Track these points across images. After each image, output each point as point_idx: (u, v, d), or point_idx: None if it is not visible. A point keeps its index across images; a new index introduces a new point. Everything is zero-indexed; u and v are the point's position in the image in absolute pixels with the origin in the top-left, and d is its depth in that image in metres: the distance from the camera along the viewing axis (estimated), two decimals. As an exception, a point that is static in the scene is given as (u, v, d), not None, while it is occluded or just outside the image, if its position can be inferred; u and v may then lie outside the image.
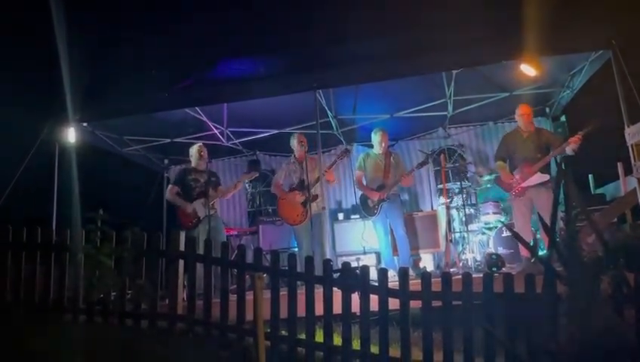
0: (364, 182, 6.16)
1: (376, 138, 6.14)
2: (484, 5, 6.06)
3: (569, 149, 5.15)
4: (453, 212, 6.94)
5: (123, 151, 7.47)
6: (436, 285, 3.53)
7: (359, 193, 6.24)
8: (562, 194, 2.55)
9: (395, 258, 6.03)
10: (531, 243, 5.38)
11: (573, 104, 7.03)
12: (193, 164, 5.94)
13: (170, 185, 5.92)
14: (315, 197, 5.80)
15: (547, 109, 7.52)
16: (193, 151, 5.94)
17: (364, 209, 6.09)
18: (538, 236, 5.72)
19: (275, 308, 3.82)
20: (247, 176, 6.28)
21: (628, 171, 5.25)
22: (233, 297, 3.99)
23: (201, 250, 4.24)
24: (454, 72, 6.04)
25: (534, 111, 7.20)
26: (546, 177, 5.25)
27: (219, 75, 6.27)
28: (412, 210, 7.46)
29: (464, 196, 6.70)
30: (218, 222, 5.86)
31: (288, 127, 7.56)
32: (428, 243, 6.56)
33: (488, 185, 6.74)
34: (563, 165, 5.06)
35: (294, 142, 6.04)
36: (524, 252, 5.35)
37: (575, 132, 5.25)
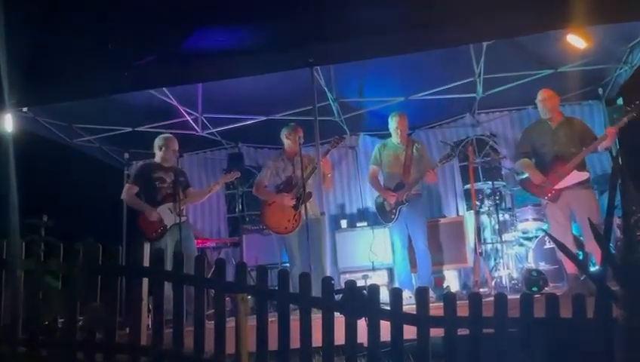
0: (381, 180, 6.16)
1: (392, 124, 6.15)
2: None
3: (601, 147, 5.20)
4: (484, 218, 6.96)
5: (73, 143, 7.48)
6: (462, 309, 3.53)
7: (372, 194, 6.25)
8: (618, 195, 2.57)
9: (413, 276, 6.04)
10: (580, 257, 5.40)
11: (632, 84, 7.04)
12: (157, 160, 5.88)
13: (127, 184, 5.88)
14: (309, 195, 5.77)
15: (600, 90, 7.55)
16: (159, 142, 5.90)
17: (381, 213, 6.11)
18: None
19: (262, 338, 3.82)
20: (227, 178, 6.29)
21: None
22: (210, 324, 3.99)
23: (169, 266, 4.24)
24: (485, 44, 6.05)
25: (584, 93, 7.24)
26: (585, 175, 5.26)
27: (192, 49, 6.26)
28: (432, 215, 7.47)
29: (497, 199, 6.71)
30: (189, 231, 5.85)
31: (278, 113, 7.57)
32: (452, 257, 6.58)
33: (527, 185, 6.75)
34: (619, 159, 5.08)
35: (290, 136, 6.00)
36: (570, 268, 5.37)
37: (635, 118, 5.26)
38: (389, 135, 6.34)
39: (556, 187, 5.31)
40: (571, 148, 5.33)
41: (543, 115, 5.58)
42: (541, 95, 5.60)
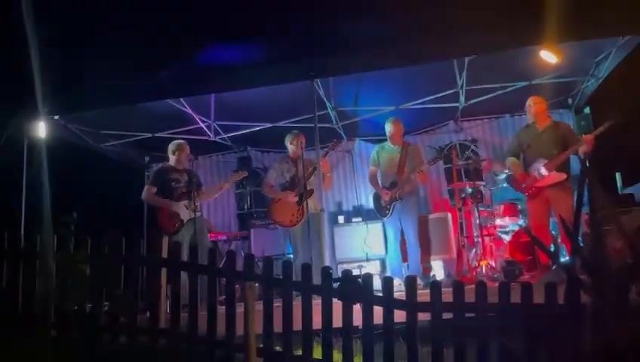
0: (379, 179, 6.17)
1: (388, 128, 6.15)
2: (500, -15, 6.06)
3: (581, 151, 5.15)
4: (466, 214, 6.94)
5: (99, 147, 7.47)
6: (447, 295, 3.53)
7: (365, 192, 6.26)
8: (586, 194, 2.56)
9: (404, 265, 6.05)
10: (552, 249, 5.40)
11: (598, 94, 7.05)
12: (172, 163, 5.90)
13: (147, 186, 5.87)
14: (311, 192, 5.80)
15: (570, 100, 7.54)
16: (173, 148, 5.91)
17: (377, 208, 6.14)
18: (559, 241, 5.73)
19: (268, 321, 3.81)
20: (235, 177, 6.28)
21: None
22: (222, 309, 3.99)
23: (185, 257, 4.24)
24: (467, 59, 6.05)
25: (555, 103, 7.23)
26: (563, 176, 5.23)
27: (205, 63, 6.25)
28: (420, 211, 7.46)
29: (478, 197, 6.70)
30: (203, 225, 5.86)
31: (283, 120, 7.56)
32: (438, 249, 6.56)
33: (504, 185, 6.74)
34: (587, 162, 5.08)
35: (293, 141, 6.00)
36: (544, 259, 5.36)
37: (600, 125, 5.26)
38: (382, 140, 6.34)
39: (536, 185, 5.31)
40: (553, 150, 5.30)
41: (530, 119, 5.59)
42: (528, 101, 5.60)
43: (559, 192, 5.22)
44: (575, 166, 7.00)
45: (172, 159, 5.89)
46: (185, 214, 5.66)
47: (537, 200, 5.36)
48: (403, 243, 6.02)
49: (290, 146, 6.04)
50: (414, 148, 6.27)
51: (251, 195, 8.18)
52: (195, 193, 5.67)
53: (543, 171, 5.22)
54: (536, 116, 5.51)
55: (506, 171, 6.26)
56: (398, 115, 7.37)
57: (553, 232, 5.70)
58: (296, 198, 5.81)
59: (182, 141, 6.05)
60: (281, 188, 6.04)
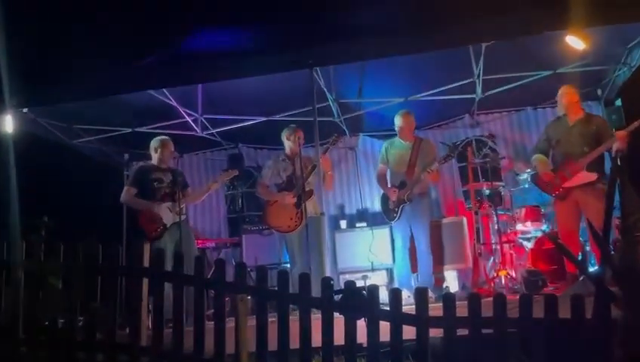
0: (388, 178, 6.17)
1: (398, 122, 6.11)
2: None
3: (613, 148, 5.15)
4: (483, 219, 6.96)
5: (73, 144, 7.48)
6: (461, 309, 3.54)
7: (371, 194, 6.25)
8: (618, 196, 2.57)
9: (413, 276, 6.04)
10: (579, 258, 5.40)
11: (631, 85, 7.04)
12: (154, 161, 5.92)
13: (126, 187, 5.87)
14: (310, 193, 5.80)
15: (599, 91, 7.56)
16: (155, 144, 5.92)
17: (384, 211, 6.13)
18: (587, 248, 5.74)
19: (262, 338, 3.82)
20: (225, 176, 6.29)
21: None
22: (210, 324, 3.99)
23: (169, 266, 4.25)
24: (484, 45, 6.06)
25: (583, 93, 7.24)
26: (593, 176, 5.22)
27: (192, 49, 6.27)
28: (433, 216, 7.47)
29: (496, 199, 6.71)
30: (189, 229, 5.88)
31: (278, 113, 7.57)
32: (452, 257, 6.55)
33: (526, 186, 6.75)
34: (618, 160, 5.08)
35: (290, 137, 6.02)
36: (570, 268, 5.37)
37: (633, 119, 5.26)
38: (388, 135, 6.34)
39: (564, 185, 5.31)
40: (584, 147, 5.30)
41: (560, 111, 5.60)
42: (560, 91, 5.60)
43: (589, 194, 5.20)
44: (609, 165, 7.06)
45: (154, 157, 5.91)
46: (168, 217, 5.66)
47: (566, 202, 5.36)
48: (412, 250, 5.99)
49: (287, 142, 6.05)
50: (427, 144, 6.22)
51: (243, 197, 8.19)
52: (180, 194, 5.69)
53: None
54: (567, 108, 5.51)
55: (529, 171, 6.25)
56: (408, 108, 7.40)
57: (581, 239, 5.69)
58: (294, 200, 5.82)
59: (165, 137, 6.06)
60: (277, 188, 6.05)
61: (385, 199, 6.11)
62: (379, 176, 6.27)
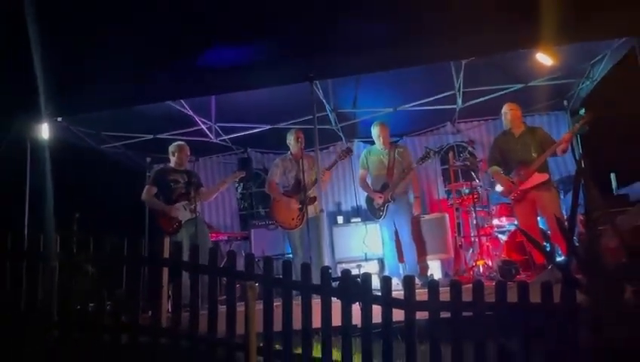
0: (369, 182, 6.17)
1: (374, 132, 6.16)
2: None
3: (559, 150, 5.29)
4: (463, 215, 6.95)
5: (101, 149, 7.47)
6: (445, 294, 3.53)
7: (364, 193, 6.25)
8: (582, 194, 2.56)
9: (401, 265, 6.05)
10: (547, 248, 5.40)
11: (593, 96, 7.05)
12: (172, 164, 5.92)
13: (147, 186, 5.86)
14: (313, 199, 5.82)
15: (565, 102, 7.55)
16: (172, 149, 5.93)
17: (370, 211, 6.14)
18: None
19: (268, 321, 3.81)
20: (233, 177, 6.30)
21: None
22: (222, 308, 3.98)
23: (186, 257, 4.24)
24: (464, 61, 6.05)
25: (551, 104, 7.26)
26: (545, 176, 5.32)
27: (205, 65, 6.26)
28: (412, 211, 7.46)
29: (474, 197, 6.71)
30: (203, 225, 5.87)
31: (282, 121, 7.56)
32: (436, 249, 6.56)
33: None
34: (582, 163, 5.11)
35: (291, 139, 6.04)
36: (538, 258, 5.37)
37: (594, 127, 5.30)
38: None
39: (520, 188, 5.37)
40: (532, 153, 5.40)
41: (506, 125, 5.63)
42: (505, 108, 5.66)
43: (543, 192, 5.30)
44: (562, 167, 7.09)
45: (172, 160, 5.91)
46: (183, 215, 5.65)
47: (523, 203, 5.43)
48: (398, 243, 6.02)
49: (291, 144, 6.05)
50: (402, 148, 6.31)
51: (253, 196, 8.20)
52: (195, 194, 5.69)
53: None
54: (512, 122, 5.58)
55: (493, 179, 6.29)
56: (397, 117, 7.43)
57: (548, 231, 5.71)
58: (298, 205, 5.84)
59: (181, 142, 6.05)
60: (285, 190, 6.05)
61: (370, 200, 6.13)
62: (361, 181, 6.28)
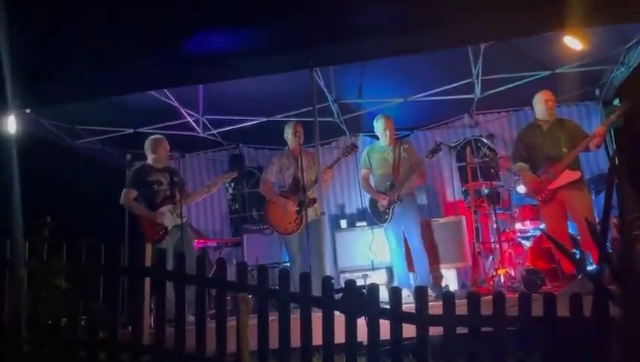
0: (372, 182, 6.18)
1: (378, 126, 6.16)
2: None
3: (592, 145, 5.28)
4: (482, 218, 6.95)
5: (75, 145, 7.48)
6: (461, 308, 3.54)
7: (367, 195, 6.26)
8: (615, 195, 2.56)
9: (411, 274, 6.05)
10: (577, 256, 5.41)
11: (628, 85, 7.04)
12: (150, 161, 5.88)
13: (125, 189, 5.81)
14: (313, 201, 5.82)
15: (597, 91, 7.55)
16: (149, 144, 5.87)
17: (374, 214, 6.13)
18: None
19: (263, 336, 3.82)
20: (225, 177, 6.31)
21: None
22: (212, 323, 3.99)
23: (171, 266, 4.25)
24: (483, 46, 6.05)
25: (581, 94, 7.26)
26: (577, 174, 5.31)
27: (192, 51, 6.27)
28: (431, 215, 7.47)
29: (495, 198, 6.72)
30: (188, 232, 5.87)
31: (279, 114, 7.57)
32: (451, 256, 6.56)
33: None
34: (616, 160, 5.10)
35: (289, 133, 6.05)
36: (568, 267, 5.37)
37: (630, 119, 5.29)
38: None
39: (549, 187, 5.36)
40: (563, 148, 5.39)
41: (541, 116, 5.60)
42: (543, 96, 5.62)
43: (573, 192, 5.28)
44: (593, 164, 7.08)
45: (150, 157, 5.87)
46: (169, 220, 5.65)
47: (551, 204, 5.42)
48: (408, 250, 6.00)
49: (289, 139, 6.06)
50: (407, 144, 6.32)
51: (245, 197, 8.20)
52: (180, 197, 5.69)
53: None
54: (546, 113, 5.56)
55: (516, 178, 6.28)
56: (407, 108, 7.43)
57: (578, 237, 5.71)
58: (295, 208, 5.86)
59: (159, 136, 6.01)
60: (280, 190, 6.06)
61: (373, 203, 6.14)
62: (363, 181, 6.31)
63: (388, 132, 6.10)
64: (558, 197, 5.36)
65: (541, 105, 5.61)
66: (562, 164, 5.31)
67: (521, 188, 5.96)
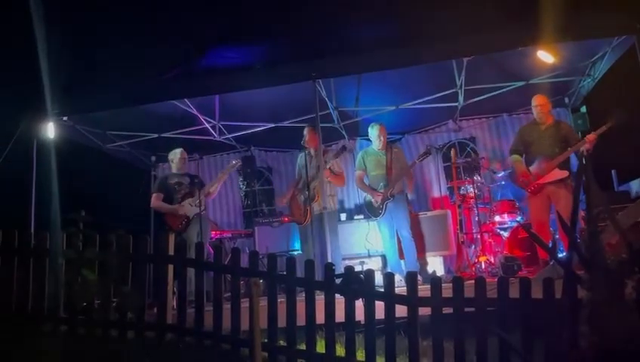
0: (367, 182, 6.19)
1: (373, 133, 6.19)
2: (497, -13, 6.06)
3: (583, 149, 5.22)
4: (465, 211, 6.94)
5: (106, 148, 7.47)
6: (447, 291, 3.54)
7: (363, 193, 6.27)
8: (583, 191, 2.55)
9: (402, 262, 6.05)
10: (550, 245, 5.39)
11: (594, 94, 7.02)
12: (173, 170, 6.14)
13: (153, 195, 6.00)
14: (313, 197, 5.84)
15: (566, 99, 7.52)
16: (171, 157, 6.11)
17: (369, 209, 6.15)
18: (556, 237, 5.73)
19: (272, 317, 3.83)
20: (231, 167, 6.37)
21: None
22: (227, 305, 4.00)
23: (192, 254, 4.25)
24: (465, 59, 6.04)
25: (553, 102, 7.23)
26: (565, 173, 5.28)
27: (209, 65, 6.27)
28: (420, 209, 7.47)
29: (476, 194, 6.71)
30: (207, 223, 5.95)
31: (286, 120, 7.56)
32: (438, 245, 6.56)
33: (503, 182, 6.75)
34: (584, 160, 5.09)
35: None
36: (542, 254, 5.36)
37: (596, 124, 5.28)
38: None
39: (539, 181, 5.34)
40: (555, 148, 5.35)
41: (538, 118, 5.59)
42: (535, 101, 5.60)
43: (560, 189, 5.26)
44: (575, 164, 7.05)
45: (172, 166, 6.12)
46: (190, 211, 5.77)
47: (538, 197, 5.39)
48: (399, 240, 6.03)
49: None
50: (397, 148, 6.41)
51: (256, 194, 8.21)
52: (198, 189, 5.83)
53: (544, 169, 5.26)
54: (541, 115, 5.54)
55: (506, 170, 6.26)
56: (399, 115, 7.42)
57: (551, 229, 5.70)
58: (302, 198, 5.97)
59: (179, 148, 6.17)
60: (294, 186, 6.26)
61: (368, 199, 6.16)
62: (358, 181, 6.31)
63: (382, 138, 6.13)
64: (545, 191, 5.34)
65: (533, 109, 5.62)
66: (553, 162, 5.29)
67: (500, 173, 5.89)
